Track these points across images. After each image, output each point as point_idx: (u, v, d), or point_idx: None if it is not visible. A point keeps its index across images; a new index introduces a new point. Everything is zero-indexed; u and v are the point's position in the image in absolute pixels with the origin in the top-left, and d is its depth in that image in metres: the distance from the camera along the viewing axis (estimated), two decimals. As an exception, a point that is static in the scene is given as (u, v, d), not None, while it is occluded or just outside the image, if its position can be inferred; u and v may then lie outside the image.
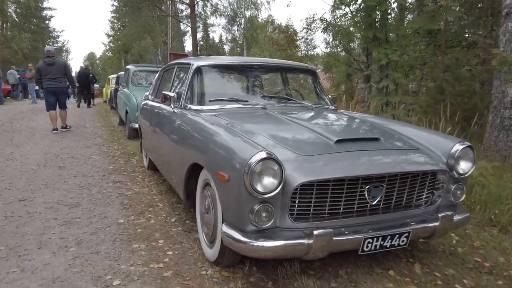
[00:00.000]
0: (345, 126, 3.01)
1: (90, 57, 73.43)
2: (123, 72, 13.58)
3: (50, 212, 3.47)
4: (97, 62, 66.00)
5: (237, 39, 34.88)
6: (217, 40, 53.18)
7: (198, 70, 3.49)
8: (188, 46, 40.00)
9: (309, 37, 30.47)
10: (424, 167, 2.40)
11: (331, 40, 30.27)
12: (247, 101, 3.41)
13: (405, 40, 4.78)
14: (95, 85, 18.08)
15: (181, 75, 3.95)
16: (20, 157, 5.72)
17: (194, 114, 3.14)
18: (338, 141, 2.39)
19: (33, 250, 2.70)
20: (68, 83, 8.69)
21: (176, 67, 4.12)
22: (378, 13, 4.82)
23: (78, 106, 15.68)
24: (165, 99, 3.55)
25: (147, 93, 5.58)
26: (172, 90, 3.93)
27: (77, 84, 14.10)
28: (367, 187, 2.24)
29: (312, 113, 3.34)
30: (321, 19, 10.35)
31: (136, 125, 7.32)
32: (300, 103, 3.59)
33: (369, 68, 12.17)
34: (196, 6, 18.55)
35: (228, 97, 3.46)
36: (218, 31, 79.83)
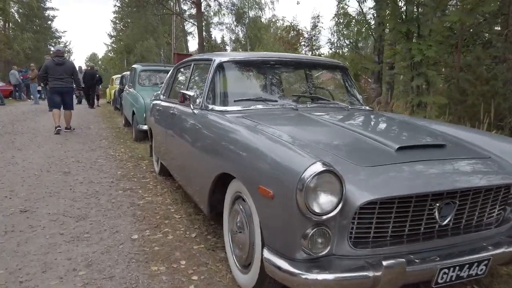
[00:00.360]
0: (400, 131, 2.62)
1: (92, 57, 73.18)
2: (127, 72, 13.22)
3: (55, 226, 3.09)
4: (99, 62, 65.75)
5: (241, 39, 34.44)
6: (219, 41, 52.98)
7: (221, 67, 3.11)
8: (191, 46, 39.70)
9: (316, 36, 30.07)
10: (503, 179, 2.02)
11: (335, 40, 29.91)
12: (276, 101, 3.03)
13: (438, 36, 4.39)
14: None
15: (200, 72, 3.57)
16: (22, 161, 5.35)
17: (218, 116, 2.76)
18: (399, 149, 2.00)
19: (36, 275, 2.31)
20: (74, 84, 8.54)
21: (193, 64, 3.74)
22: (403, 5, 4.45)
23: (92, 106, 15.62)
24: (184, 99, 3.16)
25: (158, 93, 5.21)
26: (188, 90, 3.55)
27: (83, 85, 13.84)
28: (437, 204, 1.86)
29: (353, 115, 2.96)
30: (344, 14, 9.92)
31: (144, 127, 6.97)
32: (334, 104, 3.21)
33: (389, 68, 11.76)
34: (202, 5, 18.16)
35: (255, 96, 3.08)
36: (219, 32, 79.44)
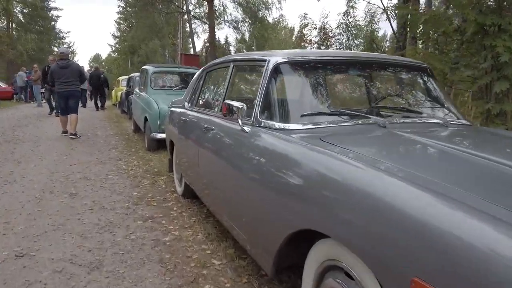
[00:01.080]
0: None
1: (96, 58, 72.63)
2: (135, 74, 12.46)
3: (61, 282, 2.31)
4: (103, 63, 65.15)
5: (247, 39, 33.65)
6: (222, 41, 52.17)
7: (279, 70, 2.32)
8: (196, 46, 38.88)
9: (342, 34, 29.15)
10: None
11: (345, 40, 29.07)
12: (359, 115, 2.24)
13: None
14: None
15: (245, 77, 2.79)
16: (21, 179, 4.58)
17: (283, 137, 1.98)
18: None
19: None
20: (81, 86, 8.12)
21: (232, 66, 2.94)
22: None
23: (102, 108, 15.38)
24: (228, 112, 2.38)
25: (179, 100, 4.45)
26: (226, 99, 2.76)
27: (84, 87, 13.24)
28: None
29: (464, 134, 2.16)
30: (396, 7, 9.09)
31: (158, 135, 6.20)
32: (428, 118, 2.41)
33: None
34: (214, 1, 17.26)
35: (326, 108, 2.30)
36: (223, 32, 78.72)
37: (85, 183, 4.49)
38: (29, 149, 6.47)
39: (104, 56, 72.56)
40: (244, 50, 54.98)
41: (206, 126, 2.94)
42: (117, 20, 45.28)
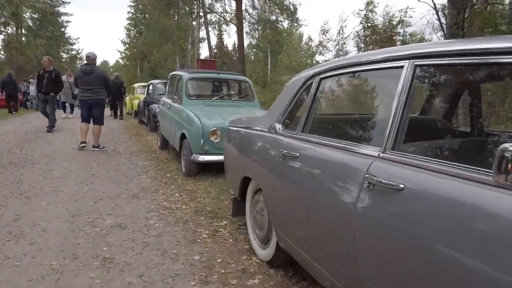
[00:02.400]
0: None
1: (103, 65, 71.63)
2: (155, 81, 11.16)
3: None
4: (111, 70, 64.21)
5: (261, 44, 32.41)
6: (230, 48, 50.97)
7: None
8: (204, 53, 37.69)
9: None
10: None
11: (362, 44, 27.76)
12: None
13: None
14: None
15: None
16: (30, 229, 3.22)
17: None
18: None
19: None
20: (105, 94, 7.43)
21: (410, 67, 1.57)
22: None
23: (121, 118, 14.63)
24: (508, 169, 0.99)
25: (251, 118, 3.11)
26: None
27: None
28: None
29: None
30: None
31: (201, 158, 4.85)
32: None
33: None
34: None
35: None
36: (231, 38, 77.89)
37: (120, 237, 3.12)
38: (40, 174, 5.12)
39: (111, 63, 71.71)
40: (253, 57, 53.88)
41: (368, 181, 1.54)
42: (127, 26, 44.33)
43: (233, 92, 6.69)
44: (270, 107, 2.90)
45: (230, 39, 63.13)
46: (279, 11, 20.33)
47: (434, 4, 10.37)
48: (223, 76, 6.52)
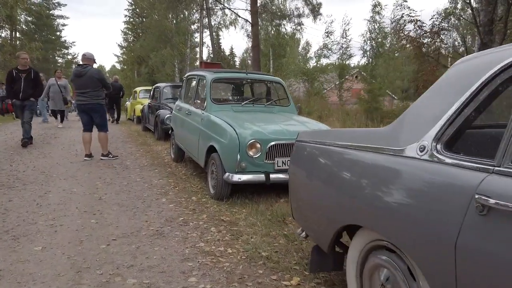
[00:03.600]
0: None
1: (100, 70, 70.21)
2: (161, 84, 10.07)
3: None
4: (107, 75, 63.02)
5: (263, 47, 31.39)
6: (227, 52, 49.97)
7: None
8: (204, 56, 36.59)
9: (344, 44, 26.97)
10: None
11: (368, 47, 26.85)
12: None
13: None
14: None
15: None
16: (16, 299, 2.12)
17: None
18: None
19: None
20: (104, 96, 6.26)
21: None
22: None
23: (117, 122, 13.95)
24: None
25: (342, 131, 2.02)
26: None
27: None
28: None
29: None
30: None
31: (237, 178, 3.78)
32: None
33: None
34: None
35: None
36: (227, 42, 76.76)
37: (154, 314, 2.02)
38: (34, 200, 4.01)
39: (108, 67, 70.41)
40: (249, 61, 52.92)
41: None
42: (124, 30, 43.28)
43: (265, 95, 5.62)
44: (404, 114, 1.79)
45: (225, 44, 62.01)
46: (303, 3, 18.73)
47: (470, 2, 9.42)
48: (253, 77, 5.44)
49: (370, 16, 26.82)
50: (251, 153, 3.97)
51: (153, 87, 10.73)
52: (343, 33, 26.71)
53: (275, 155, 4.06)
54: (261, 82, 5.58)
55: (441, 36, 8.63)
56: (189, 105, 5.57)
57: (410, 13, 8.57)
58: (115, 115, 13.83)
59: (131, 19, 42.55)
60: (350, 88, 20.12)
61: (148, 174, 5.44)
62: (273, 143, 4.02)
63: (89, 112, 6.07)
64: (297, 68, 22.45)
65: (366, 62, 27.07)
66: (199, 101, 5.01)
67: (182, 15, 30.22)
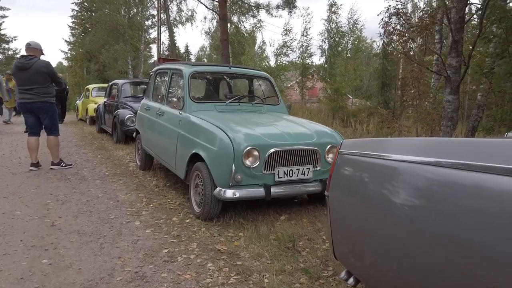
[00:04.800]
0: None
1: (48, 62, 65.47)
2: (120, 81, 8.98)
3: None
4: (54, 72, 58.89)
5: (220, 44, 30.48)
6: (182, 50, 48.41)
7: None
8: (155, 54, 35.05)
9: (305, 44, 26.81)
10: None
11: (326, 46, 26.82)
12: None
13: None
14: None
15: None
16: None
17: None
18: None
19: None
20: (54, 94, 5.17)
21: None
22: None
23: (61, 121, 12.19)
24: None
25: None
26: None
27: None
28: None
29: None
30: None
31: (232, 194, 3.08)
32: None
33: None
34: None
35: None
36: (181, 40, 75.02)
37: None
38: (-40, 230, 2.98)
39: (54, 64, 66.03)
40: (205, 60, 51.78)
41: None
42: (71, 25, 40.55)
43: (251, 93, 4.86)
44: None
45: (180, 42, 60.32)
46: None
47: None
48: (237, 71, 4.64)
49: (327, 16, 26.82)
50: (248, 162, 3.20)
51: (110, 84, 9.58)
52: (303, 32, 26.50)
53: (275, 164, 3.32)
54: (247, 77, 4.80)
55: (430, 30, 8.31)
56: (161, 104, 4.69)
57: (396, 5, 8.15)
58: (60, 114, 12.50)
59: (79, 13, 39.95)
60: (313, 87, 19.82)
61: (112, 187, 4.50)
62: (273, 150, 3.28)
63: (36, 112, 5.02)
64: (257, 67, 21.86)
65: (324, 61, 27.05)
66: (175, 100, 4.14)
67: (135, 10, 28.59)
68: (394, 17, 8.08)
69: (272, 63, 28.08)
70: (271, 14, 17.25)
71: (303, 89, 20.10)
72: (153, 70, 5.34)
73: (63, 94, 11.88)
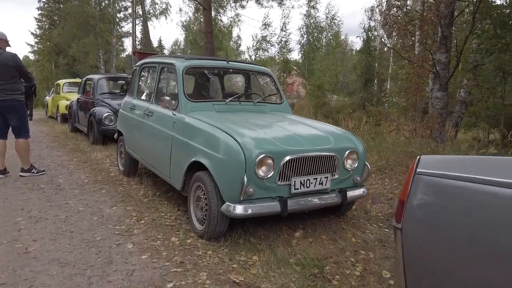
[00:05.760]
0: None
1: (15, 54, 62.15)
2: (94, 76, 8.28)
3: None
4: (20, 66, 56.10)
5: (198, 39, 29.71)
6: (155, 44, 47.01)
7: None
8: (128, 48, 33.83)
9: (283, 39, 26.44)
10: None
11: (304, 40, 26.51)
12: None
13: None
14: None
15: None
16: None
17: None
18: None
19: None
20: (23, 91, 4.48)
21: None
22: None
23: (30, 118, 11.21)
24: None
25: None
26: None
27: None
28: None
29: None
30: None
31: (243, 210, 2.69)
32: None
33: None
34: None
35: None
36: (156, 32, 73.19)
37: None
38: None
39: (20, 58, 62.85)
40: (178, 51, 50.48)
41: None
42: (38, 17, 38.52)
43: (251, 91, 4.36)
44: None
45: (152, 36, 58.54)
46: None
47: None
48: (236, 66, 4.12)
49: (306, 10, 26.49)
50: (261, 172, 2.73)
51: (84, 79, 8.81)
52: (282, 26, 26.09)
53: (291, 174, 2.86)
54: (246, 73, 4.29)
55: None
56: (148, 103, 4.12)
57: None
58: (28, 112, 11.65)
59: (46, 5, 37.98)
60: (294, 82, 19.50)
61: (94, 198, 3.91)
62: (288, 157, 2.82)
63: (3, 112, 4.35)
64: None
65: (301, 56, 26.78)
66: (166, 98, 3.59)
67: (107, 1, 27.38)
68: (395, 9, 7.76)
69: (248, 58, 27.57)
70: (261, 5, 16.67)
71: (283, 85, 19.73)
72: (137, 64, 4.74)
73: (31, 90, 11.05)
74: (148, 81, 4.48)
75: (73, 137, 8.29)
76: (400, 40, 7.86)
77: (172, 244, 2.83)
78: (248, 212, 2.68)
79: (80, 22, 28.52)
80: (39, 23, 38.74)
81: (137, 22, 26.65)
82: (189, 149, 3.14)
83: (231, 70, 4.17)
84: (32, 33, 38.28)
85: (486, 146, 7.46)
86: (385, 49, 22.28)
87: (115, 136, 5.19)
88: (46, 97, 14.94)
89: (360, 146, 3.27)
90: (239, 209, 2.67)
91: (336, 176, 3.09)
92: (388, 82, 19.76)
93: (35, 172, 4.74)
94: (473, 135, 11.01)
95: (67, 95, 11.04)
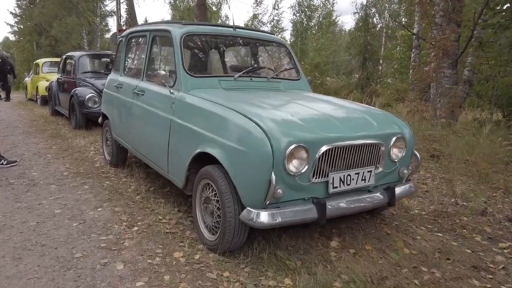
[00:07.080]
0: None
1: (-11, 42, 59.41)
2: (75, 53, 7.39)
3: None
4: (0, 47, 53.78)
5: (185, 18, 28.46)
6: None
7: None
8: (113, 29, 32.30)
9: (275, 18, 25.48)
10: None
11: (297, 19, 25.57)
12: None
13: None
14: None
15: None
16: None
17: None
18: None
19: None
20: None
21: None
22: None
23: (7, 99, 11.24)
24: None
25: None
26: None
27: None
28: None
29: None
30: None
31: (270, 219, 2.13)
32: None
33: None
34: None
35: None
36: (142, 12, 71.01)
37: None
38: None
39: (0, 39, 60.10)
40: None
41: None
42: (17, -5, 36.41)
43: (264, 64, 3.62)
44: None
45: (138, 14, 56.26)
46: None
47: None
48: (245, 33, 3.35)
49: (299, -13, 25.48)
50: (292, 168, 2.03)
51: (63, 57, 7.89)
52: (275, 4, 25.07)
53: (328, 168, 2.18)
54: (257, 42, 3.52)
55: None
56: (138, 80, 3.36)
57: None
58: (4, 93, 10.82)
59: (24, -19, 35.93)
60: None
61: (74, 196, 3.18)
62: (326, 147, 2.12)
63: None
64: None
65: (293, 35, 25.92)
66: (161, 73, 2.82)
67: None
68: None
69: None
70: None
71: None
72: (123, 34, 3.94)
73: (6, 70, 10.13)
74: (137, 54, 3.69)
75: (54, 121, 7.43)
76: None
77: (175, 262, 2.14)
78: (277, 221, 2.00)
79: (61, 0, 27.05)
80: (18, 2, 36.67)
81: (121, 0, 25.28)
82: (193, 137, 2.43)
83: (239, 39, 3.40)
84: (11, 13, 36.26)
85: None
86: (377, 28, 21.57)
87: (100, 120, 4.41)
88: (26, 79, 13.86)
89: (406, 131, 2.60)
90: (264, 217, 1.98)
91: (380, 169, 2.42)
92: (381, 62, 19.10)
93: (4, 163, 3.97)
94: (474, 115, 10.50)
95: (46, 76, 10.07)
